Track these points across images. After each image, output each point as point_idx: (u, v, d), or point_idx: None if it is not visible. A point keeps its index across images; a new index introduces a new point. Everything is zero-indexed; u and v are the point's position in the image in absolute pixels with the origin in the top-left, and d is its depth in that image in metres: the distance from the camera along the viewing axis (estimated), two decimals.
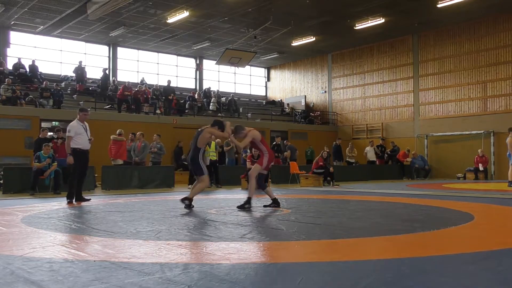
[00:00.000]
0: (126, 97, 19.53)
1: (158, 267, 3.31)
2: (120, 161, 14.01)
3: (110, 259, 3.63)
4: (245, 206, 7.34)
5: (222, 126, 7.82)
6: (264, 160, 7.60)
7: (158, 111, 20.57)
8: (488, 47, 20.04)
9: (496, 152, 19.40)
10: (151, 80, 24.16)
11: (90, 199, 9.27)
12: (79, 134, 8.79)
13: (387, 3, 17.77)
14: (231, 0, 17.42)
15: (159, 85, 22.69)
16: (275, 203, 7.63)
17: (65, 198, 8.97)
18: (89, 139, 9.02)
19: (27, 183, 11.41)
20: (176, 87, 25.10)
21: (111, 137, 14.13)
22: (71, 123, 8.95)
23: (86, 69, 21.79)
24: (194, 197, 7.67)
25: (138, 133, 14.53)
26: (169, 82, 21.74)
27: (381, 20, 19.48)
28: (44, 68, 21.79)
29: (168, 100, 20.81)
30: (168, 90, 21.11)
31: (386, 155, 21.06)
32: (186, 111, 21.63)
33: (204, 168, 7.81)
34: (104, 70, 21.85)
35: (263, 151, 7.71)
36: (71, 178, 9.04)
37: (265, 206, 7.69)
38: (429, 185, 14.96)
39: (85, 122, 9.09)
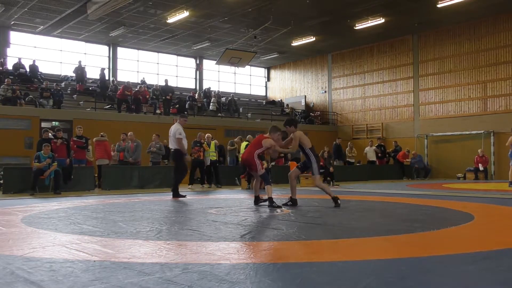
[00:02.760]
0: (126, 97, 19.53)
1: (158, 267, 3.31)
2: (106, 161, 14.05)
3: (110, 259, 3.63)
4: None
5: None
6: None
7: (158, 111, 20.56)
8: (488, 47, 20.04)
9: (496, 152, 19.40)
10: (151, 80, 24.16)
11: (185, 196, 9.95)
12: (184, 137, 9.93)
13: (387, 3, 17.77)
14: (231, 0, 17.42)
15: (159, 85, 22.69)
16: (260, 200, 7.92)
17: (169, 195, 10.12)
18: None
19: (27, 183, 11.41)
20: (176, 87, 25.11)
21: (94, 139, 14.16)
22: (176, 127, 9.93)
23: (86, 69, 21.79)
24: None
25: (129, 133, 14.51)
26: (166, 81, 21.71)
27: (381, 20, 19.48)
28: (44, 68, 21.80)
29: (167, 100, 20.78)
30: (166, 90, 21.09)
31: (387, 155, 21.04)
32: (186, 112, 21.55)
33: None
34: (102, 69, 21.84)
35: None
36: (178, 176, 10.08)
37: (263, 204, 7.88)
38: (429, 185, 14.95)
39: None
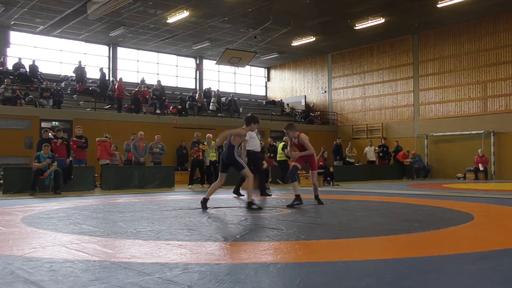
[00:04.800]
0: (123, 95, 19.52)
1: (158, 267, 3.32)
2: (106, 161, 14.12)
3: (110, 259, 3.63)
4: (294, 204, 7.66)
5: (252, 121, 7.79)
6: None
7: (158, 111, 20.55)
8: (488, 47, 20.04)
9: (496, 152, 19.39)
10: (151, 80, 24.15)
11: (271, 195, 10.43)
12: (252, 138, 10.10)
13: (387, 3, 17.76)
14: (231, 0, 17.42)
15: (158, 86, 22.64)
16: (298, 200, 7.84)
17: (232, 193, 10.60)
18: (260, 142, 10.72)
19: (27, 183, 11.40)
20: (176, 87, 25.10)
21: (97, 139, 14.28)
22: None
23: (86, 69, 21.78)
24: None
25: (140, 133, 14.61)
26: (158, 82, 21.67)
27: (381, 20, 19.47)
28: (44, 68, 21.78)
29: (162, 100, 20.75)
30: (159, 90, 21.07)
31: (389, 155, 21.01)
32: (183, 112, 21.53)
33: (243, 162, 7.70)
34: (101, 69, 21.82)
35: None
36: (259, 176, 10.46)
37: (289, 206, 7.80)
38: (429, 185, 14.96)
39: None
